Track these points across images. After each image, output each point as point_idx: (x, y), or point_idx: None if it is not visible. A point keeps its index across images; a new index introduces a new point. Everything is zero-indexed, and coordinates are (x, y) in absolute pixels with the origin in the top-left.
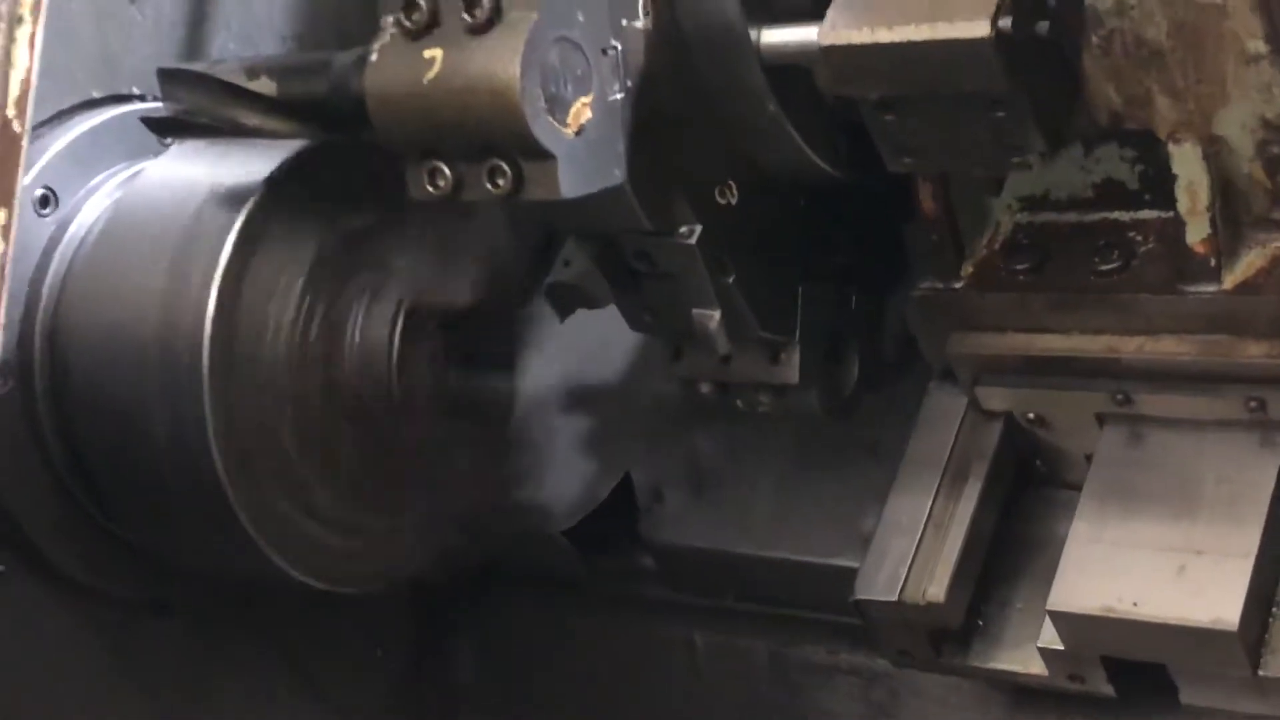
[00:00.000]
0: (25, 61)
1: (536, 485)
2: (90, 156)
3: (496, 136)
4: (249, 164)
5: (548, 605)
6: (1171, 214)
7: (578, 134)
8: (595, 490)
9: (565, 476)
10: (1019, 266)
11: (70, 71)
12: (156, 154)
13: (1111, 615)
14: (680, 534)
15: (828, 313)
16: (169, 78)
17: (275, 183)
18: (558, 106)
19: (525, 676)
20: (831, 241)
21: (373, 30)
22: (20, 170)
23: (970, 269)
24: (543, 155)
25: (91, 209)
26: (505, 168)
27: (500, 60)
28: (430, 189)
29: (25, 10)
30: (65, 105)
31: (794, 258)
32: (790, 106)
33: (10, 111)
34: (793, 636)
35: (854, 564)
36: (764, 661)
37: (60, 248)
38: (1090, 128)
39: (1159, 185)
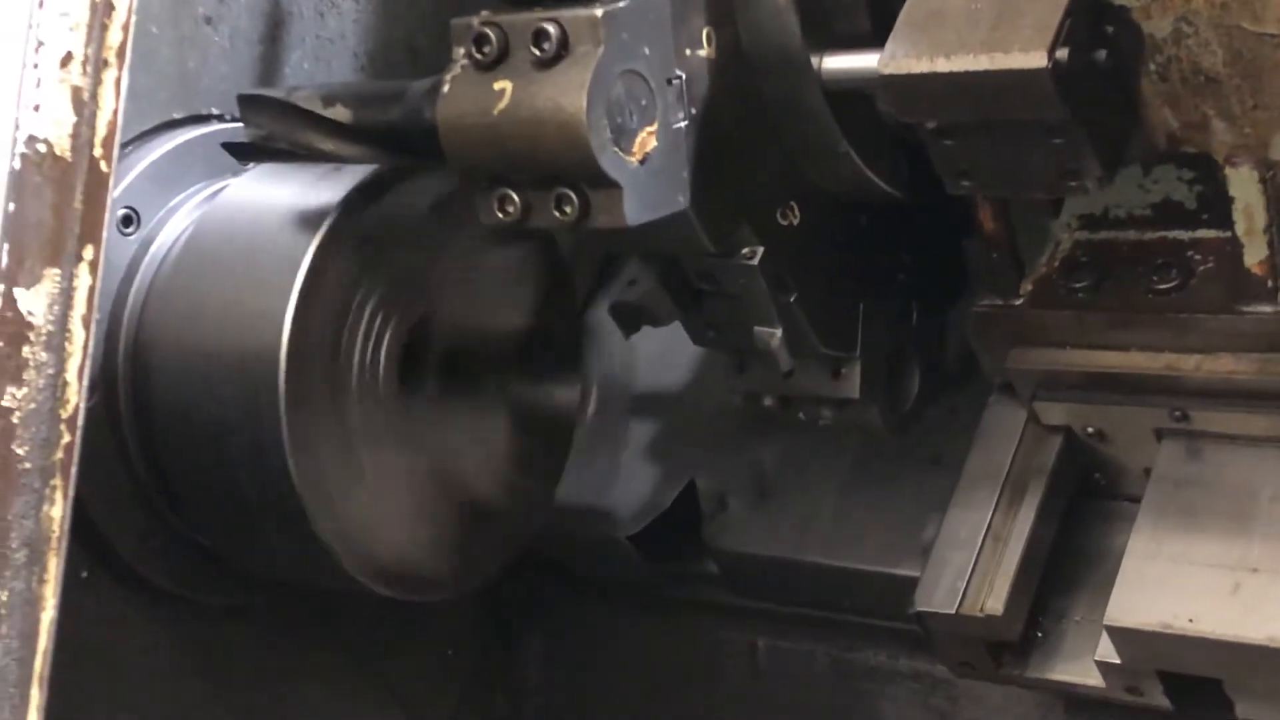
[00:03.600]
0: (112, 104)
1: (603, 491)
2: (171, 176)
3: (563, 166)
4: (324, 187)
5: (613, 608)
6: (1229, 234)
7: (642, 162)
8: (660, 497)
9: (631, 483)
10: (1078, 284)
11: (152, 93)
12: (235, 172)
13: (1168, 631)
14: (743, 541)
15: (888, 328)
16: (248, 103)
17: (349, 205)
18: (623, 137)
19: (590, 677)
20: (892, 258)
21: (442, 48)
22: (108, 209)
23: (1030, 286)
24: (608, 184)
25: (172, 228)
26: (572, 196)
27: (567, 94)
28: (499, 215)
29: (111, 55)
30: (147, 126)
31: (855, 275)
32: (851, 129)
33: (98, 151)
34: (853, 641)
35: (915, 573)
36: (824, 666)
37: (143, 266)
38: (1148, 150)
39: (1216, 205)
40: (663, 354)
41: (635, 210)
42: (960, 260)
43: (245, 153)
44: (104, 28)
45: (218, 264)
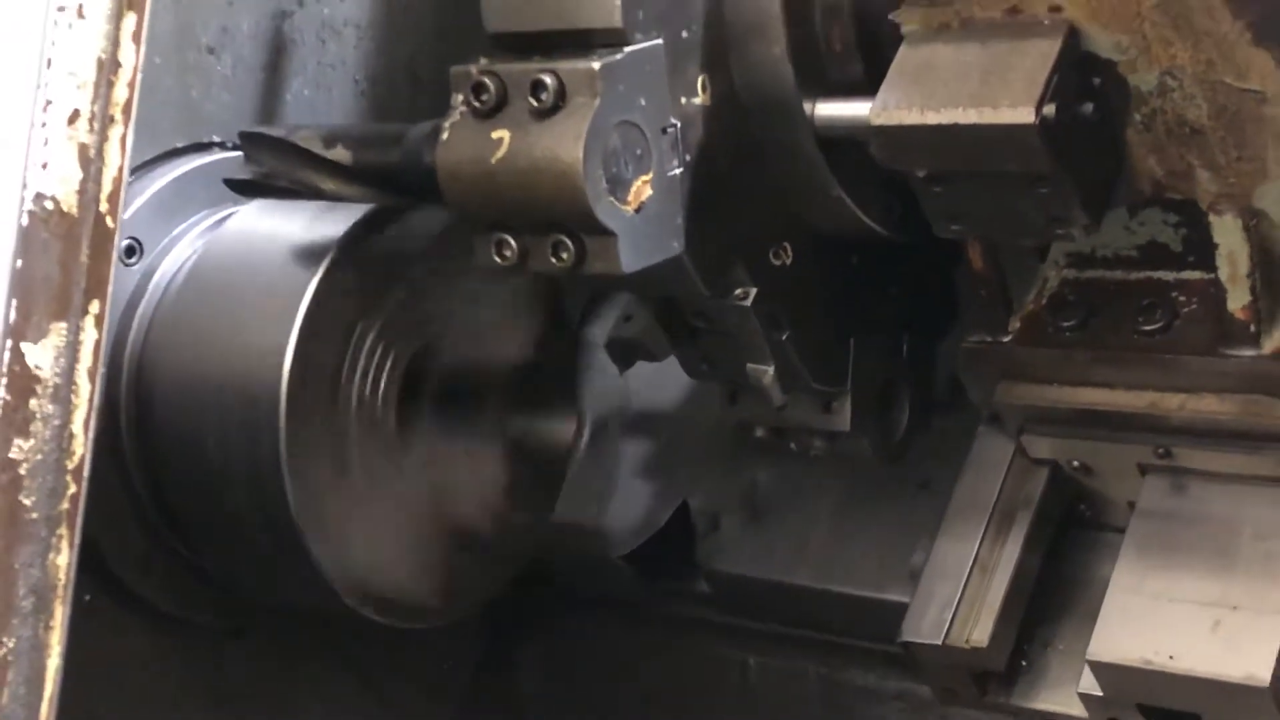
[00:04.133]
0: (117, 160)
1: (598, 510)
2: (173, 206)
3: (560, 214)
4: (326, 220)
5: (607, 625)
6: (1213, 276)
7: (638, 211)
8: (654, 516)
9: (625, 502)
10: (1065, 323)
11: (154, 122)
12: (236, 202)
13: (1148, 667)
14: (735, 562)
15: (879, 361)
16: (250, 140)
17: (351, 239)
18: (619, 186)
19: (585, 692)
20: (883, 292)
21: (444, 74)
22: (112, 264)
23: (1018, 324)
24: (604, 232)
25: (175, 258)
26: (569, 243)
27: (564, 145)
28: (497, 259)
29: (117, 111)
30: (149, 156)
31: (846, 310)
32: (843, 173)
33: (104, 207)
34: (843, 661)
35: (903, 598)
36: (814, 685)
37: (145, 296)
38: (1134, 195)
39: (1201, 248)
40: (657, 372)
41: (630, 258)
42: (951, 289)
43: (246, 189)
44: (110, 85)
45: (220, 296)
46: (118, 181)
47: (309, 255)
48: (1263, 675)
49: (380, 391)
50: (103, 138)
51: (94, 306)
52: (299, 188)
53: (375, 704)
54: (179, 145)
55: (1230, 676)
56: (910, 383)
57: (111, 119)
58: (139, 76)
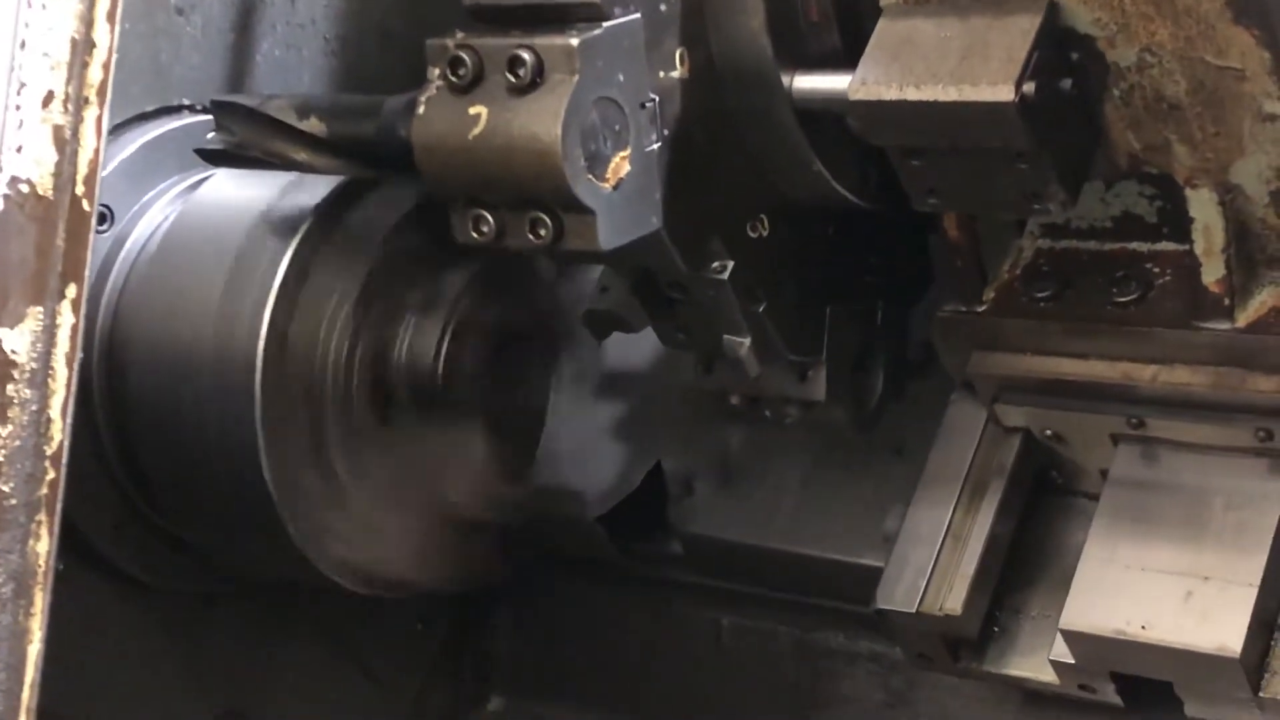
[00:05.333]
0: (93, 142)
1: (571, 472)
2: (144, 172)
3: (538, 192)
4: (299, 189)
5: (580, 585)
6: (1187, 248)
7: (616, 188)
8: (628, 478)
9: (599, 463)
10: (1039, 294)
11: (124, 87)
12: (207, 167)
13: (1121, 637)
14: (708, 525)
15: (855, 330)
16: (221, 109)
17: (328, 205)
18: (597, 164)
19: (557, 651)
20: (859, 261)
21: (414, 31)
22: (90, 248)
23: (992, 294)
24: (583, 210)
25: (146, 224)
26: (546, 219)
27: (542, 123)
28: (474, 235)
29: (92, 93)
30: (118, 120)
31: (822, 280)
32: (820, 144)
33: (80, 189)
34: (815, 623)
35: (876, 563)
36: (787, 645)
37: (117, 263)
38: (1110, 168)
39: (1175, 220)
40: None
41: (609, 235)
42: (925, 255)
43: (218, 159)
44: (84, 65)
45: (195, 265)
46: (94, 164)
47: (284, 226)
48: (1234, 646)
49: (356, 363)
50: (78, 119)
51: (71, 290)
52: (272, 159)
53: (348, 666)
54: (148, 109)
55: (1202, 647)
56: (885, 350)
57: (86, 100)
58: (114, 57)
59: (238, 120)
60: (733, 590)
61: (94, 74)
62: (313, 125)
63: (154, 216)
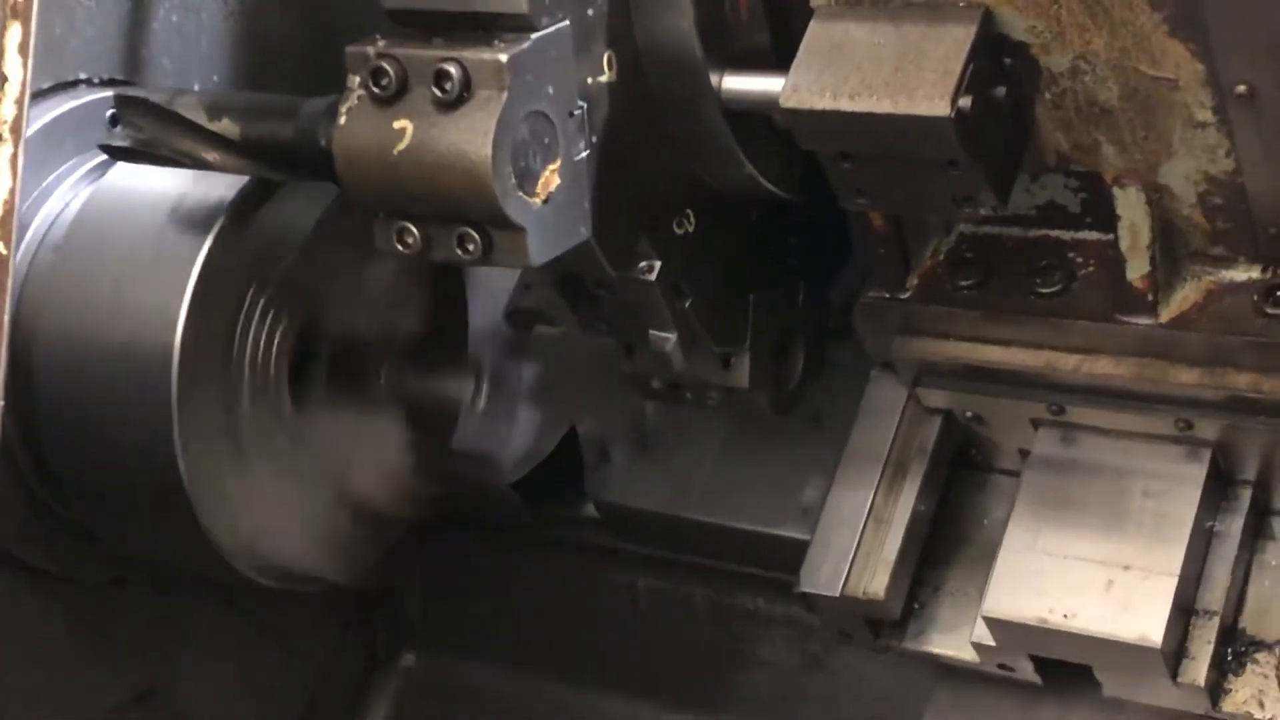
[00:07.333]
0: (8, 181)
1: (486, 437)
2: (42, 156)
3: (467, 210)
4: (214, 180)
5: (494, 548)
6: (1110, 237)
7: (546, 201)
8: (543, 444)
9: (514, 429)
10: (963, 282)
11: None
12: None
13: (1043, 625)
14: (625, 494)
15: (777, 315)
16: (127, 105)
17: (241, 202)
18: (527, 179)
19: (471, 612)
20: (782, 244)
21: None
22: (9, 293)
23: (916, 280)
24: (513, 227)
25: (48, 211)
26: (475, 235)
27: (472, 141)
28: (398, 246)
29: (5, 129)
30: None
31: (747, 269)
32: (748, 142)
33: None
34: (732, 587)
35: (794, 534)
36: (704, 609)
37: (19, 251)
38: (1037, 165)
39: (1098, 211)
40: None
41: (539, 250)
42: (844, 229)
43: (124, 155)
44: None
45: (105, 257)
46: (9, 204)
47: (199, 219)
48: (1155, 637)
49: (272, 358)
50: None
51: None
52: (181, 158)
53: (259, 632)
54: (44, 87)
55: (1124, 637)
56: (806, 330)
57: (0, 137)
58: (27, 92)
59: (144, 117)
60: (650, 554)
61: (7, 110)
62: (225, 127)
63: (55, 204)
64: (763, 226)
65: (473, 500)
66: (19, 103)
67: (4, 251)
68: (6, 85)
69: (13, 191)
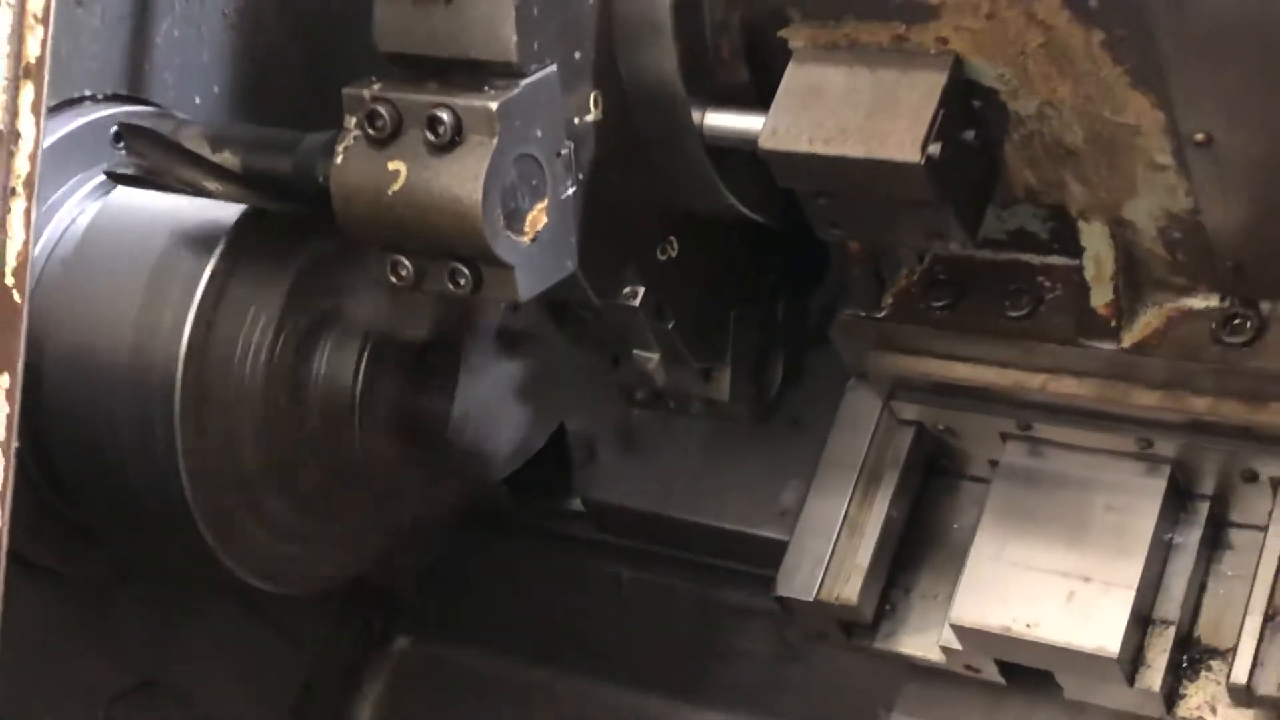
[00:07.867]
0: (21, 234)
1: (474, 433)
2: (50, 173)
3: (457, 248)
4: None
5: (483, 539)
6: (1077, 262)
7: (533, 240)
8: (531, 439)
9: (504, 424)
10: (936, 303)
11: None
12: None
13: (1008, 634)
14: (611, 491)
15: (758, 329)
16: (133, 134)
17: (246, 219)
18: (515, 220)
19: (463, 602)
20: (762, 262)
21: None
22: (22, 338)
23: (890, 300)
24: (502, 265)
25: (56, 226)
26: (465, 271)
27: (463, 185)
28: (393, 278)
29: (19, 184)
30: None
31: (728, 287)
32: (728, 172)
33: (9, 280)
34: (716, 580)
35: (773, 534)
36: (686, 601)
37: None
38: (1006, 197)
39: (1066, 238)
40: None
41: (527, 285)
42: (823, 245)
43: (129, 183)
44: (10, 156)
45: (112, 271)
46: (23, 256)
47: (203, 236)
48: (1112, 647)
49: (274, 376)
50: (5, 210)
51: (4, 381)
52: (184, 186)
53: (255, 620)
54: (51, 105)
55: (1083, 646)
56: (785, 343)
57: (14, 192)
58: (40, 149)
59: (149, 147)
60: (635, 547)
61: (20, 165)
62: (227, 159)
63: (63, 218)
64: (743, 247)
65: (466, 494)
66: (32, 158)
67: (19, 300)
68: (20, 142)
69: (26, 244)
